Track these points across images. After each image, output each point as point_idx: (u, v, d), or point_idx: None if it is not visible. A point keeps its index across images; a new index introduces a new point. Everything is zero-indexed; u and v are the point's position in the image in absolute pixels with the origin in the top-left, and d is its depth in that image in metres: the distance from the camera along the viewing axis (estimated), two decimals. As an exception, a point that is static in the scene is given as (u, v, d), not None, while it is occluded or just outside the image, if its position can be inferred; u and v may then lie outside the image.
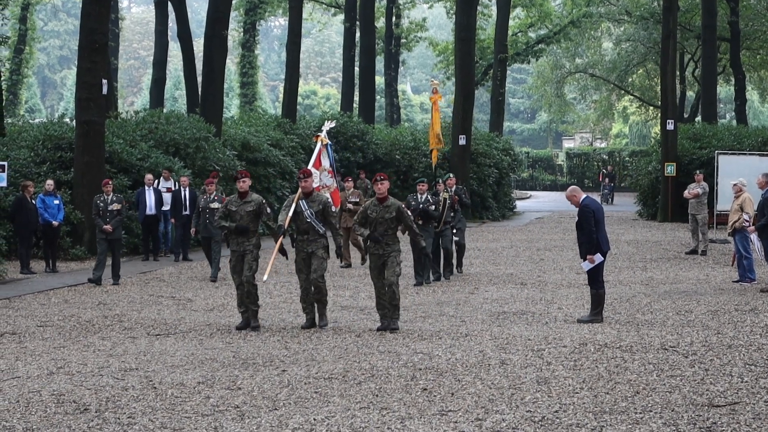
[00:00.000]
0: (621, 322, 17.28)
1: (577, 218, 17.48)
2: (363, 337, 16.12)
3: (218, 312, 19.05)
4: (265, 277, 17.45)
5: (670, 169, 42.91)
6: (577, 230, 17.51)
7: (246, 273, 16.79)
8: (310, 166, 20.41)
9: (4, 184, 26.23)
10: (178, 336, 16.44)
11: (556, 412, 11.03)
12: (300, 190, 16.99)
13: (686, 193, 29.71)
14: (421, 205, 22.29)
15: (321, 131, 23.06)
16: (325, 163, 22.00)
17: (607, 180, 67.79)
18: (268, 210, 17.36)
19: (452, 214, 23.68)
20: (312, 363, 14.09)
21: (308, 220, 16.66)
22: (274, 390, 12.41)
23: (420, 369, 13.53)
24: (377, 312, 17.01)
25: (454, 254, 24.61)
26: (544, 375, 13.02)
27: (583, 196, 17.42)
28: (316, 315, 17.05)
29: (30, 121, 40.76)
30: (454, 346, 15.22)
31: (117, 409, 11.52)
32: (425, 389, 12.30)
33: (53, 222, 25.11)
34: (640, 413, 10.91)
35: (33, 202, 25.30)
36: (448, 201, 23.24)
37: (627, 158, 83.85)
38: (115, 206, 23.18)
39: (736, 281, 22.52)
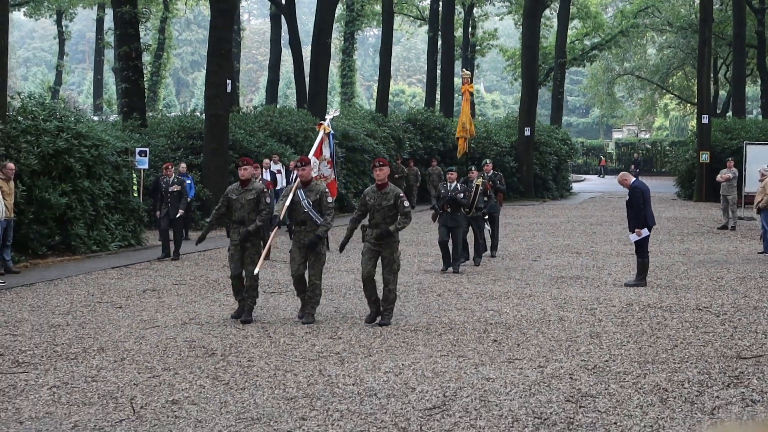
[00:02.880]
0: (662, 286, 17.13)
1: (627, 197, 17.36)
2: (443, 296, 16.12)
3: (324, 274, 19.12)
4: (256, 270, 14.03)
5: (705, 157, 42.46)
6: (628, 208, 17.38)
7: (248, 267, 14.06)
8: (310, 155, 16.78)
9: (146, 166, 26.58)
10: (289, 294, 16.51)
11: (606, 361, 10.98)
12: (298, 179, 14.26)
13: (719, 177, 29.26)
14: (450, 193, 19.32)
15: (324, 119, 19.05)
16: (326, 152, 18.00)
17: (633, 166, 67.16)
18: (267, 200, 14.40)
19: (485, 199, 20.84)
20: (400, 317, 14.12)
21: (305, 210, 13.90)
22: (368, 340, 12.47)
23: (491, 323, 13.52)
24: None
25: (488, 240, 21.71)
26: (596, 330, 12.95)
27: (633, 179, 17.33)
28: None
29: (167, 114, 41.15)
30: (520, 304, 15.19)
31: (239, 353, 11.64)
32: (495, 340, 12.30)
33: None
34: (678, 363, 10.83)
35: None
36: (480, 187, 20.40)
37: (667, 147, 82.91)
38: (175, 188, 22.25)
39: (761, 252, 22.17)
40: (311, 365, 10.96)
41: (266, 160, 28.98)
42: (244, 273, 14.17)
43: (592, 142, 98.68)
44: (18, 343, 12.45)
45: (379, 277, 13.89)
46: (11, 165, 19.34)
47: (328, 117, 19.12)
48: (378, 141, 40.01)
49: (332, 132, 18.45)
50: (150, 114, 37.43)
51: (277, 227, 14.38)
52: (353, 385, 9.99)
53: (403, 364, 10.91)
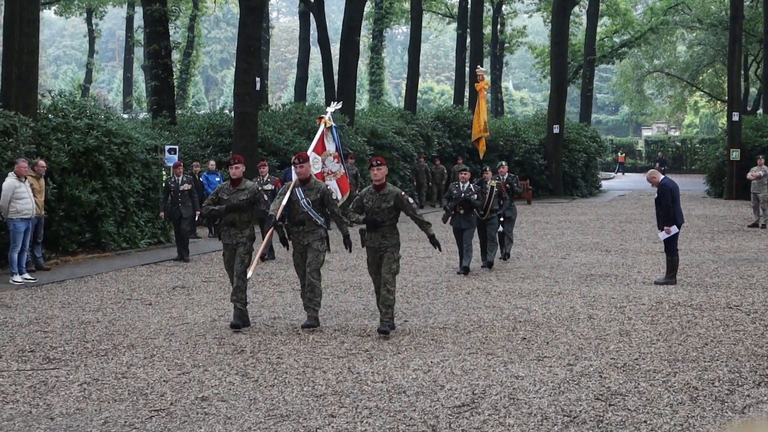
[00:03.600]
0: (692, 284, 17.04)
1: (656, 195, 17.30)
2: (472, 294, 16.11)
3: (351, 272, 19.15)
4: (249, 273, 13.11)
5: (735, 155, 42.26)
6: (656, 205, 17.32)
7: (237, 267, 13.09)
8: (310, 151, 15.37)
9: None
10: (318, 291, 16.55)
11: (636, 359, 10.93)
12: (295, 177, 13.13)
13: (749, 175, 29.07)
14: (462, 194, 18.25)
15: (326, 113, 16.94)
16: (330, 147, 16.28)
17: (658, 164, 66.83)
18: (265, 197, 13.73)
19: (500, 202, 19.52)
20: (429, 315, 14.12)
21: (304, 210, 12.74)
22: (397, 337, 12.48)
23: (520, 321, 13.50)
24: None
25: (498, 244, 19.93)
26: (625, 328, 12.91)
27: (661, 177, 17.28)
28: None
29: (196, 112, 41.32)
30: (549, 302, 15.16)
31: (268, 350, 11.68)
32: (524, 338, 12.28)
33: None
34: (708, 362, 10.77)
35: (199, 179, 25.73)
36: (495, 189, 19.09)
37: (697, 145, 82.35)
38: (185, 186, 21.65)
39: (792, 250, 22.07)
40: (340, 362, 10.98)
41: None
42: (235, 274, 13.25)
43: (622, 140, 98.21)
44: (49, 340, 12.54)
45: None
46: (42, 162, 19.48)
47: (329, 110, 17.05)
48: (406, 138, 40.06)
49: (335, 125, 16.81)
50: (179, 111, 37.60)
51: (272, 228, 13.04)
52: (382, 382, 10.00)
53: (431, 362, 10.91)
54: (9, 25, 22.07)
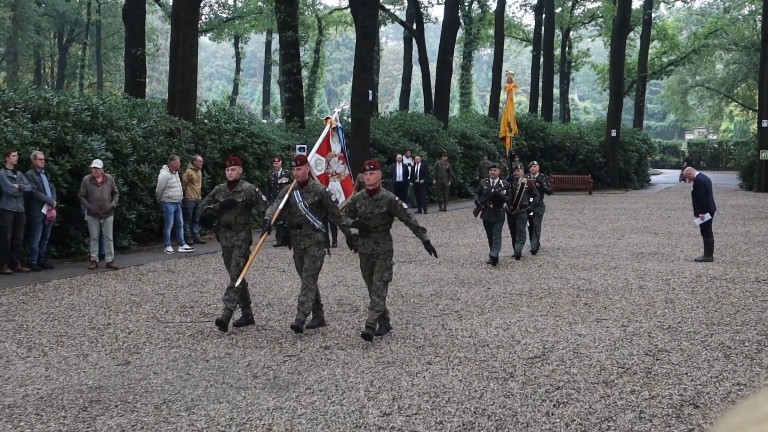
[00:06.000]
0: (726, 262, 16.67)
1: (692, 188, 17.03)
2: (543, 267, 15.98)
3: (445, 248, 19.12)
4: (237, 282, 10.41)
5: (764, 155, 41.18)
6: (692, 196, 17.00)
7: (232, 269, 10.65)
8: (313, 152, 12.86)
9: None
10: (416, 263, 16.58)
11: (679, 322, 10.76)
12: (294, 179, 10.70)
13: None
14: (492, 190, 16.26)
15: (332, 113, 14.10)
16: (336, 148, 13.54)
17: (685, 163, 65.10)
18: (263, 198, 10.94)
19: (530, 199, 17.55)
20: (507, 283, 14.06)
21: (302, 213, 10.35)
22: (482, 301, 12.45)
23: (582, 290, 13.36)
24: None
25: (526, 237, 18.00)
26: (670, 297, 12.70)
27: (696, 172, 17.04)
28: (324, 313, 10.93)
29: (320, 118, 41.60)
30: (607, 275, 14.97)
31: (377, 310, 11.75)
32: (586, 304, 12.16)
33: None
34: (740, 326, 10.55)
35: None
36: (525, 186, 17.29)
37: (732, 147, 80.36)
38: (283, 179, 19.61)
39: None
40: (435, 321, 11.01)
41: (399, 155, 29.21)
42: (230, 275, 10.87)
43: (668, 142, 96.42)
44: (204, 299, 12.81)
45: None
46: (200, 158, 19.86)
47: (336, 110, 14.28)
48: (490, 140, 39.89)
49: (341, 126, 13.82)
50: (307, 118, 37.90)
51: (266, 233, 10.56)
52: (469, 337, 10.00)
53: (510, 321, 10.87)
54: (174, 49, 22.49)
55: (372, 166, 10.04)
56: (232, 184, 10.86)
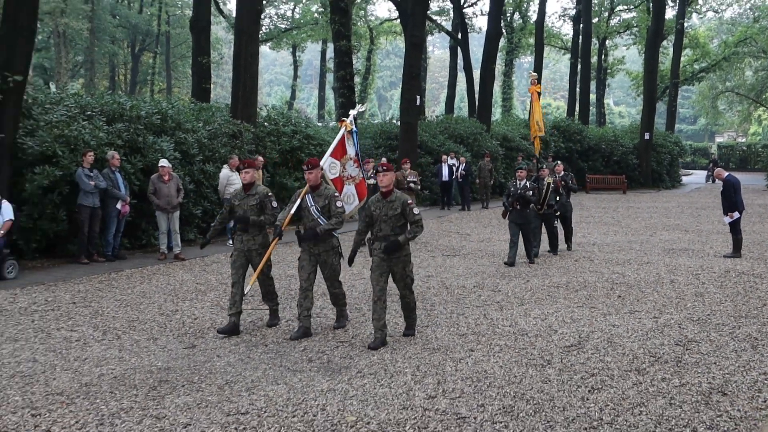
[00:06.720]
0: (754, 258, 16.41)
1: (722, 188, 16.82)
2: (579, 262, 15.86)
3: (487, 243, 19.06)
4: (247, 289, 10.14)
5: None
6: (722, 196, 16.82)
7: (261, 276, 10.24)
8: (327, 155, 11.64)
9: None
10: (460, 256, 16.56)
11: (708, 315, 10.63)
12: (307, 184, 9.92)
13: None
14: (519, 191, 15.50)
15: (347, 116, 12.66)
16: (351, 151, 12.21)
17: (711, 165, 64.00)
18: (273, 204, 10.11)
19: (557, 198, 16.99)
20: (545, 276, 13.99)
21: (314, 216, 9.67)
22: (521, 293, 12.41)
23: (616, 283, 13.25)
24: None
25: (561, 234, 17.81)
26: (699, 290, 12.54)
27: (726, 173, 16.82)
28: (311, 324, 9.75)
29: (371, 122, 41.65)
30: (639, 269, 14.83)
31: (424, 300, 11.75)
32: (619, 296, 12.06)
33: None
34: (766, 318, 10.40)
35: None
36: (551, 186, 16.67)
37: (760, 149, 78.99)
38: None
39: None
40: (477, 310, 11.00)
41: (444, 156, 29.19)
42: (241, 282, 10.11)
43: (699, 145, 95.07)
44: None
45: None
46: (260, 158, 20.01)
47: (352, 113, 12.80)
48: (529, 142, 39.61)
49: (355, 129, 12.58)
50: (359, 121, 37.92)
51: (278, 237, 9.98)
52: (509, 326, 9.98)
53: (547, 312, 10.82)
54: (237, 57, 22.69)
55: (385, 168, 9.30)
56: (247, 188, 10.18)
